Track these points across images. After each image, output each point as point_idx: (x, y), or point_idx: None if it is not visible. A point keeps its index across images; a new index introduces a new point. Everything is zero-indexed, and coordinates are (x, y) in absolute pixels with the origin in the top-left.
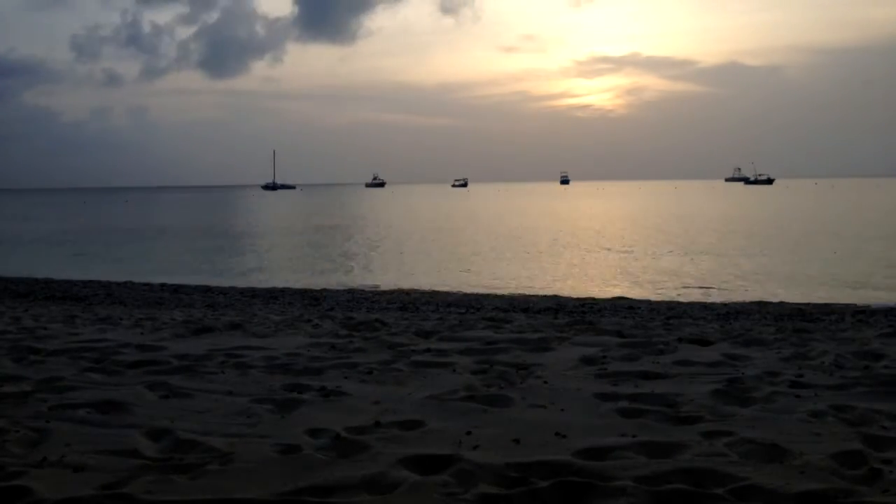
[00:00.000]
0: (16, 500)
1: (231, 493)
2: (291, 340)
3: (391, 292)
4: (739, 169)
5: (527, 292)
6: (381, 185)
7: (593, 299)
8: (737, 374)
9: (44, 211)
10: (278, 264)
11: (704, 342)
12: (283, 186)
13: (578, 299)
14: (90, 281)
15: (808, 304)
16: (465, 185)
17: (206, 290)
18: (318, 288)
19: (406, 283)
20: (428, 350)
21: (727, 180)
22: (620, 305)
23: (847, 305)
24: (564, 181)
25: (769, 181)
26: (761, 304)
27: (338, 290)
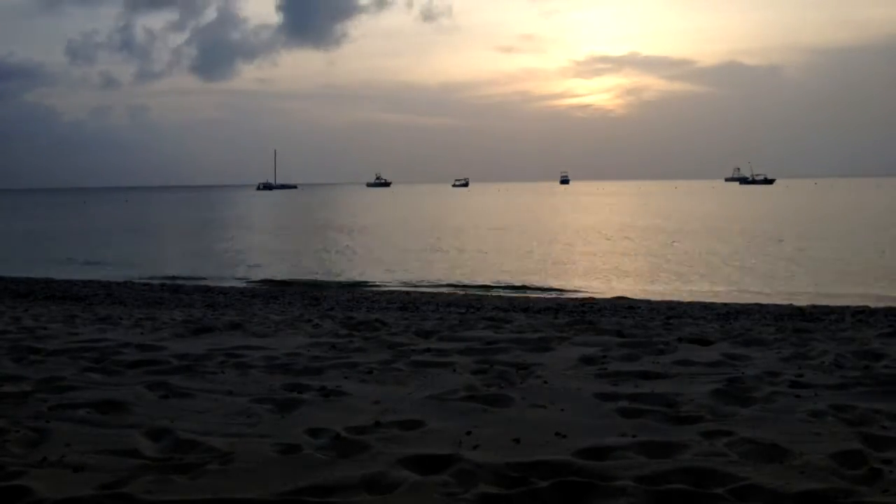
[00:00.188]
0: (16, 500)
1: (231, 493)
2: (291, 340)
3: (391, 292)
4: (739, 169)
5: (529, 293)
6: (386, 184)
7: (593, 299)
8: (737, 374)
9: (36, 211)
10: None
11: (704, 342)
12: (283, 186)
13: (578, 299)
14: (90, 281)
15: (808, 304)
16: (465, 184)
17: (207, 290)
18: (317, 288)
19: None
20: (428, 350)
21: (727, 180)
22: (620, 305)
23: (846, 306)
24: (564, 181)
25: (769, 181)
26: (761, 304)
27: (338, 290)
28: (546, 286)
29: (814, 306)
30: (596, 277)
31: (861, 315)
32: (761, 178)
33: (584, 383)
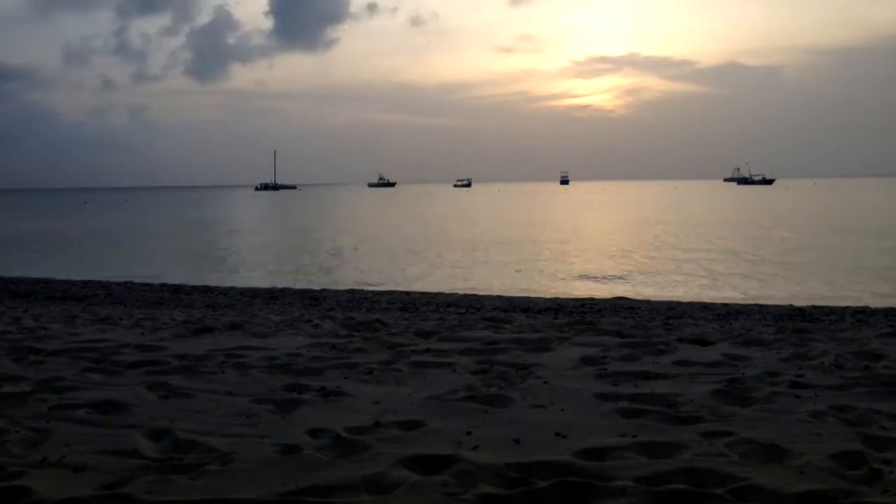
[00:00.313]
0: (16, 500)
1: (231, 493)
2: (291, 340)
3: (391, 292)
4: (738, 169)
5: (529, 294)
6: (390, 185)
7: (593, 299)
8: (737, 374)
9: (28, 211)
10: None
11: (704, 342)
12: (281, 187)
13: (578, 299)
14: (90, 281)
15: (808, 305)
16: (468, 185)
17: (207, 290)
18: (317, 288)
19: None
20: (428, 350)
21: (725, 180)
22: (620, 305)
23: (846, 306)
24: (564, 181)
25: (768, 181)
26: (761, 305)
27: (338, 290)
28: (546, 287)
29: (814, 306)
30: (596, 277)
31: (861, 315)
32: (759, 178)
33: (584, 384)
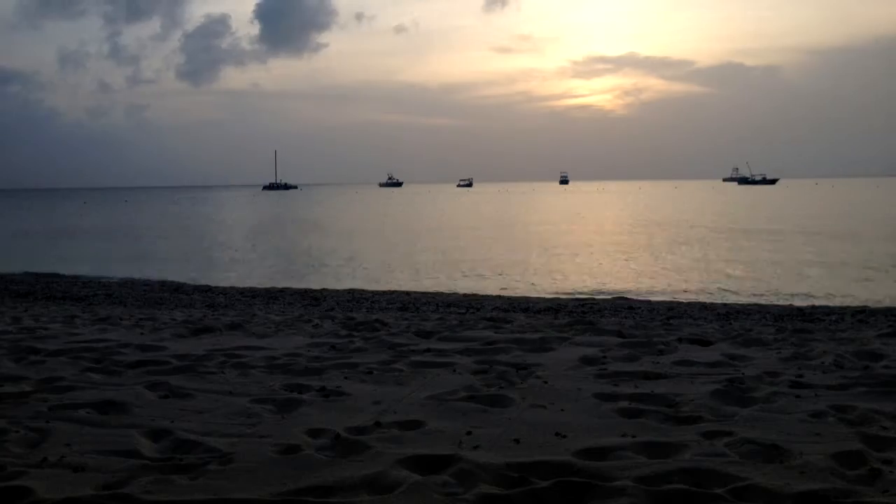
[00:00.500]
0: (16, 500)
1: (231, 493)
2: (291, 340)
3: (391, 292)
4: (737, 169)
5: (529, 294)
6: (398, 184)
7: (593, 299)
8: (737, 374)
9: (24, 211)
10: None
11: (704, 342)
12: (287, 186)
13: (578, 299)
14: (90, 281)
15: (808, 305)
16: (469, 185)
17: (207, 290)
18: (317, 288)
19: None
20: (428, 350)
21: (724, 180)
22: (620, 305)
23: (846, 306)
24: (564, 181)
25: (771, 181)
26: (761, 305)
27: (338, 290)
28: (546, 287)
29: (814, 306)
30: (596, 277)
31: (861, 315)
32: (760, 178)
33: (585, 383)
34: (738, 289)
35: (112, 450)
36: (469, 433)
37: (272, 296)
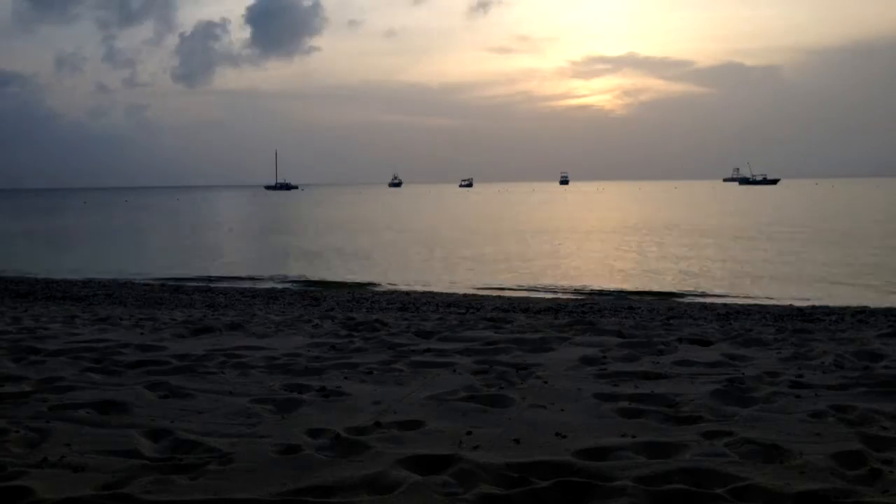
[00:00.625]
0: (16, 500)
1: (231, 493)
2: (291, 340)
3: (391, 292)
4: (737, 169)
5: (529, 294)
6: (398, 184)
7: (593, 299)
8: (737, 374)
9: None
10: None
11: (704, 342)
12: (287, 186)
13: (578, 299)
14: (90, 281)
15: (808, 305)
16: (470, 185)
17: (207, 290)
18: (317, 288)
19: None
20: (428, 350)
21: (725, 180)
22: (620, 305)
23: (846, 306)
24: (564, 181)
25: (773, 181)
26: (761, 305)
27: (338, 291)
28: (546, 287)
29: (814, 306)
30: (596, 277)
31: (861, 315)
32: (760, 178)
33: (584, 384)
34: (739, 289)
35: (112, 450)
36: (469, 433)
37: (272, 296)
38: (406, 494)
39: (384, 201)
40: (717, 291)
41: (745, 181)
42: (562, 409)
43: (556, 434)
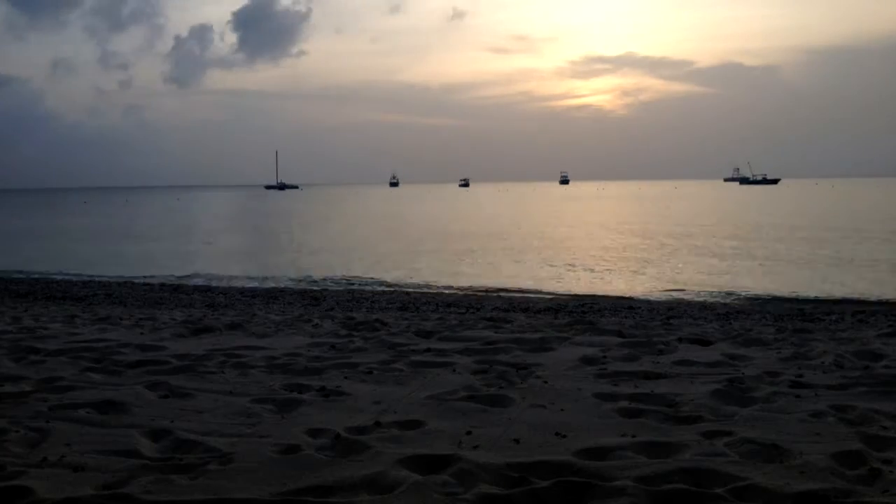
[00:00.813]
0: (16, 500)
1: (231, 493)
2: (291, 340)
3: (391, 292)
4: (738, 169)
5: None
6: (396, 184)
7: (593, 299)
8: (737, 374)
9: (44, 211)
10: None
11: (704, 342)
12: (286, 186)
13: (578, 299)
14: (90, 281)
15: (808, 305)
16: (466, 184)
17: (207, 290)
18: (318, 288)
19: None
20: (428, 350)
21: (725, 180)
22: (620, 305)
23: (847, 306)
24: (564, 181)
25: (773, 181)
26: (761, 305)
27: (338, 290)
28: (545, 286)
29: (814, 306)
30: (596, 277)
31: (861, 315)
32: (760, 177)
33: (584, 383)
34: (739, 288)
35: (112, 450)
36: (469, 433)
37: (272, 296)
38: (406, 494)
39: (371, 201)
40: (717, 291)
41: (745, 181)
42: (562, 409)
43: (556, 434)
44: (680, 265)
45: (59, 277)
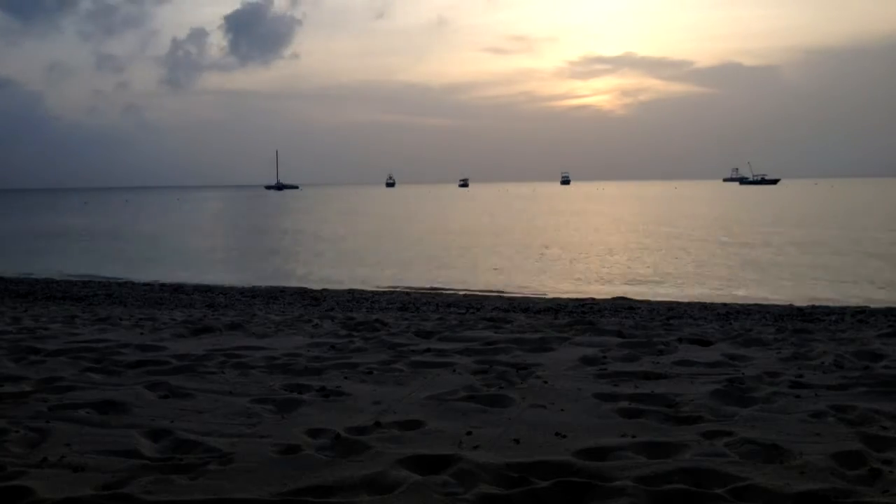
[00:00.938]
0: (16, 500)
1: (231, 493)
2: (291, 340)
3: (391, 292)
4: (737, 169)
5: (529, 294)
6: (392, 185)
7: (593, 299)
8: (737, 374)
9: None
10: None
11: (704, 342)
12: (287, 186)
13: (578, 299)
14: (90, 281)
15: (808, 304)
16: (466, 185)
17: (207, 289)
18: (318, 288)
19: None
20: (428, 350)
21: (724, 181)
22: (620, 306)
23: (846, 306)
24: (565, 181)
25: (772, 181)
26: (761, 305)
27: (338, 290)
28: (545, 287)
29: (814, 306)
30: (596, 278)
31: (861, 315)
32: (759, 178)
33: (584, 384)
34: (739, 289)
35: (112, 450)
36: (469, 433)
37: (272, 296)
38: (406, 494)
39: (364, 203)
40: (717, 291)
41: (745, 181)
42: (562, 409)
43: (556, 434)
44: (680, 265)
45: (59, 277)
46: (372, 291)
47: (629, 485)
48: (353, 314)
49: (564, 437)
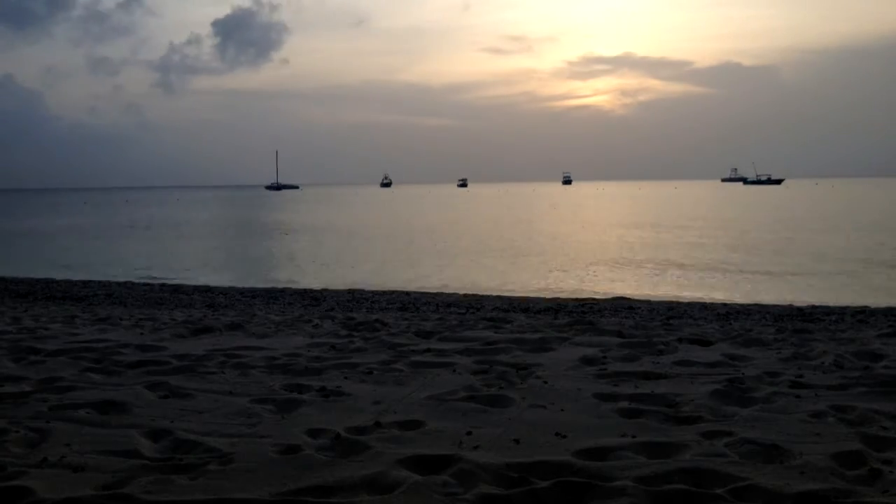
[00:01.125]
0: (16, 500)
1: (231, 493)
2: (291, 340)
3: (391, 292)
4: (736, 169)
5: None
6: (388, 185)
7: (593, 299)
8: (737, 374)
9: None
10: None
11: (704, 342)
12: (287, 186)
13: (578, 299)
14: (90, 281)
15: (808, 305)
16: (465, 185)
17: (207, 290)
18: (318, 288)
19: None
20: (428, 350)
21: (723, 180)
22: (620, 305)
23: (846, 306)
24: (567, 181)
25: (777, 181)
26: (761, 305)
27: (338, 290)
28: (546, 287)
29: (814, 306)
30: (596, 278)
31: (861, 315)
32: (765, 178)
33: (584, 384)
34: (738, 289)
35: (112, 450)
36: (469, 433)
37: (272, 296)
38: (406, 494)
39: (352, 207)
40: (717, 291)
41: (748, 181)
42: (562, 409)
43: (556, 434)
44: (679, 265)
45: (59, 277)
46: (372, 291)
47: (629, 485)
48: (354, 314)
49: (564, 437)
